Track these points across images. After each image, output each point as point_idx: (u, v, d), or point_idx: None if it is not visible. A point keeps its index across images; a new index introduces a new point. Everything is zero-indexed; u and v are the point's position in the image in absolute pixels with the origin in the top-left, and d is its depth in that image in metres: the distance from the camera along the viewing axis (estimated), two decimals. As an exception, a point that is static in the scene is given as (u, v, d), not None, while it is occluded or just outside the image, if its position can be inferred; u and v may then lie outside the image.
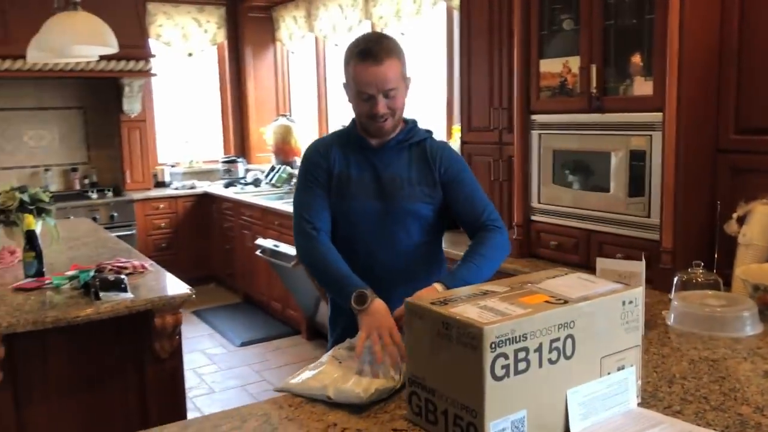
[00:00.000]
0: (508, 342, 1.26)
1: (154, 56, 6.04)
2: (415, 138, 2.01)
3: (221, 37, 6.91)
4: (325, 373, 1.59)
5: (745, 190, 2.35)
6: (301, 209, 1.99)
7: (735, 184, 2.41)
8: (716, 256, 2.40)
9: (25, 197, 3.17)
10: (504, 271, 2.97)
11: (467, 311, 1.31)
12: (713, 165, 2.46)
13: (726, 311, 1.99)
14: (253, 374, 4.32)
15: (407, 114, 2.04)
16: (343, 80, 1.96)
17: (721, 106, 2.42)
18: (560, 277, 1.54)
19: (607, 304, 1.41)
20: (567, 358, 1.35)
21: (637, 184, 2.55)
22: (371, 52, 1.84)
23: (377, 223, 1.96)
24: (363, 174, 1.97)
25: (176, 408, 2.72)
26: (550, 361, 1.32)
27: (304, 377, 1.61)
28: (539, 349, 1.30)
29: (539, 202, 3.01)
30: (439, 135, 4.84)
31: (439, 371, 1.35)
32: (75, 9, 3.12)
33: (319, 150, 2.02)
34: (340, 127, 2.10)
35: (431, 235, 2.04)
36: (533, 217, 3.05)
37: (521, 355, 1.28)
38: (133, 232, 5.94)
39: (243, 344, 4.88)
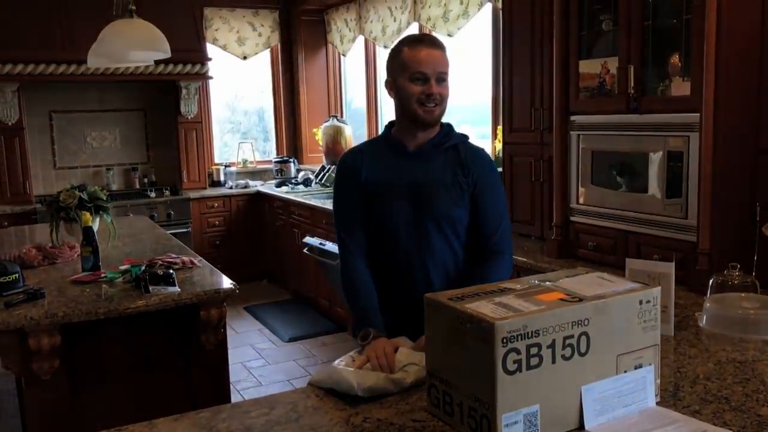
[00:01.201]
0: (520, 337, 1.30)
1: (210, 59, 6.25)
2: (450, 141, 2.01)
3: (275, 40, 7.08)
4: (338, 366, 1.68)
5: (786, 191, 2.31)
6: (338, 225, 2.05)
7: (776, 185, 2.37)
8: (755, 258, 2.37)
9: (84, 195, 3.35)
10: (542, 271, 2.99)
11: (481, 307, 1.36)
12: (754, 166, 2.42)
13: (760, 314, 1.97)
14: (299, 369, 4.43)
15: (451, 115, 2.05)
16: (386, 78, 1.98)
17: (763, 107, 2.39)
18: (579, 275, 1.57)
19: (623, 302, 1.43)
20: (581, 354, 1.38)
21: (674, 186, 2.53)
22: (426, 38, 1.95)
23: (414, 228, 1.96)
24: (398, 179, 1.97)
25: (221, 398, 2.83)
26: (564, 358, 1.36)
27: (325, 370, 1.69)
28: (552, 346, 1.34)
29: (578, 203, 3.01)
30: (485, 136, 4.89)
31: (454, 365, 1.40)
32: (131, 16, 3.28)
33: (348, 161, 2.05)
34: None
35: (465, 237, 2.03)
36: (572, 218, 3.05)
37: (534, 350, 1.32)
38: (189, 229, 6.15)
39: (291, 340, 5.00)
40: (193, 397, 2.79)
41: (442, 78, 1.91)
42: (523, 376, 1.31)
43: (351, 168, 2.02)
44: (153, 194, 6.24)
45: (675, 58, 2.54)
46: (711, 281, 2.19)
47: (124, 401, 2.69)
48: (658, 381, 1.51)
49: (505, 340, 1.28)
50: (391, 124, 2.06)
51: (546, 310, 1.34)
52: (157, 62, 5.39)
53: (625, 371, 1.45)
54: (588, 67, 2.88)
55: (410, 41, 1.94)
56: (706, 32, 2.30)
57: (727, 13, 2.28)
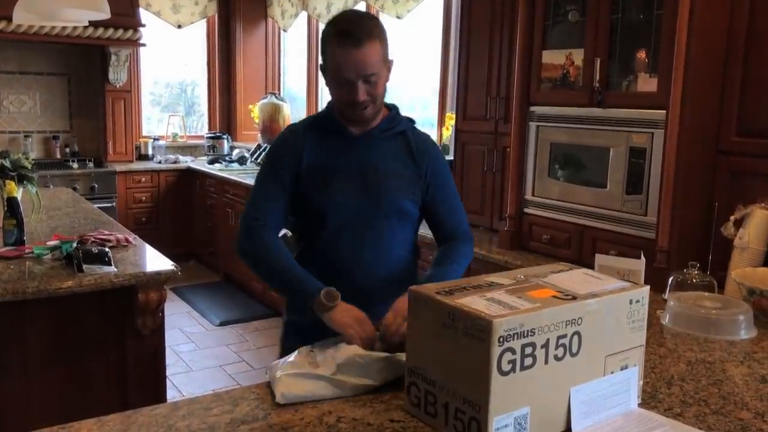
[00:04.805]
0: (516, 336, 1.22)
1: (144, 26, 5.91)
2: (398, 127, 1.85)
3: (212, 10, 6.78)
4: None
5: (744, 193, 2.34)
6: (253, 203, 1.82)
7: (733, 186, 2.40)
8: (710, 257, 2.40)
9: (7, 163, 3.07)
10: (495, 262, 2.96)
11: (474, 303, 1.28)
12: (713, 166, 2.44)
13: (721, 314, 1.97)
14: (232, 354, 4.27)
15: (394, 100, 1.90)
16: (320, 61, 1.79)
17: (725, 107, 2.41)
18: (565, 272, 1.51)
19: (615, 302, 1.38)
20: (573, 355, 1.32)
21: (635, 182, 2.53)
22: (351, 33, 1.68)
23: (361, 220, 1.80)
24: (344, 165, 1.80)
25: (156, 386, 2.66)
26: (556, 358, 1.29)
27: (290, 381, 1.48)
28: (546, 345, 1.27)
29: (533, 195, 2.98)
30: (432, 122, 4.82)
31: (441, 363, 1.31)
32: (67, -30, 3.01)
33: (288, 140, 1.84)
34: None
35: (412, 233, 1.92)
36: (526, 210, 3.02)
37: (528, 350, 1.24)
38: (113, 204, 5.83)
39: (222, 324, 4.82)
40: (125, 386, 2.61)
41: (370, 79, 1.71)
42: (516, 377, 1.24)
43: (290, 149, 1.81)
44: (75, 165, 5.87)
45: (642, 54, 2.52)
46: (671, 279, 2.20)
47: (50, 389, 2.48)
48: (641, 382, 1.48)
49: (501, 339, 1.20)
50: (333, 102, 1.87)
51: (542, 308, 1.27)
52: (86, 25, 5.05)
53: (612, 372, 1.40)
54: (551, 57, 2.84)
55: (337, 34, 1.70)
56: (678, 30, 2.30)
57: (699, 12, 2.28)
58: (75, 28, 5.24)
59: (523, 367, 1.24)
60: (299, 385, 1.45)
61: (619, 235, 2.60)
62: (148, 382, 2.62)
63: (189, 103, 7.26)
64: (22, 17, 3.38)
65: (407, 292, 1.39)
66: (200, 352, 4.31)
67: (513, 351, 1.22)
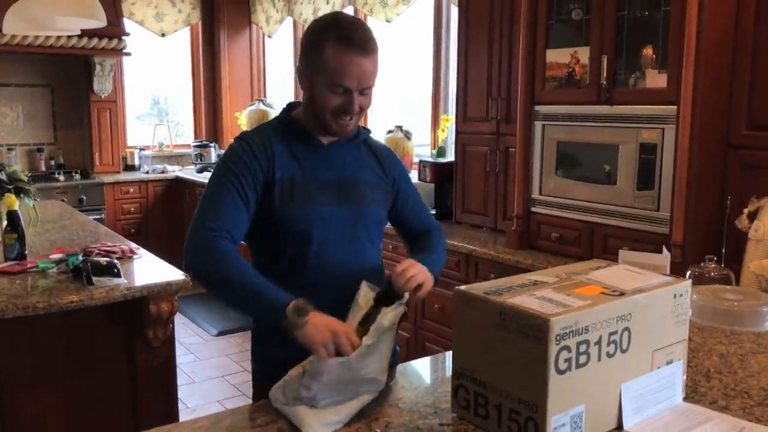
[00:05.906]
0: (571, 334, 1.21)
1: (128, 35, 5.83)
2: (361, 136, 1.79)
3: (196, 17, 6.72)
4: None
5: (756, 186, 2.36)
6: (207, 213, 1.60)
7: (745, 179, 2.42)
8: (723, 251, 2.41)
9: (3, 176, 3.00)
10: (504, 262, 2.95)
11: (526, 301, 1.26)
12: (724, 160, 2.46)
13: (744, 306, 1.98)
14: (233, 364, 4.21)
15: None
16: (300, 64, 1.66)
17: (734, 101, 2.43)
18: (605, 268, 1.50)
19: (661, 296, 1.38)
20: (623, 351, 1.31)
21: (646, 178, 2.54)
22: (359, 40, 1.57)
23: (347, 233, 1.71)
24: (322, 177, 1.69)
25: (167, 397, 2.62)
26: (608, 355, 1.28)
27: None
28: (599, 342, 1.26)
29: (540, 194, 2.98)
30: (425, 125, 4.81)
31: (492, 364, 1.30)
32: (60, -22, 2.95)
33: (255, 149, 1.64)
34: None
35: (381, 240, 1.87)
36: (533, 209, 3.02)
37: (582, 347, 1.23)
38: (102, 216, 5.74)
39: (219, 334, 4.76)
40: (136, 399, 2.55)
41: (365, 92, 1.63)
42: (572, 375, 1.22)
43: (258, 159, 1.63)
44: (62, 177, 5.77)
45: (649, 50, 2.53)
46: (688, 273, 2.21)
47: (59, 403, 2.42)
48: (684, 377, 1.47)
49: (558, 338, 1.19)
50: (290, 107, 1.76)
51: (594, 305, 1.26)
52: (70, 35, 4.98)
53: (658, 367, 1.40)
54: (555, 56, 2.84)
55: (343, 38, 1.57)
56: (687, 25, 2.31)
57: (708, 7, 2.29)
58: (59, 38, 5.14)
59: (578, 365, 1.23)
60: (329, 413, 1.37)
61: (631, 231, 2.61)
62: (159, 394, 2.58)
63: (167, 112, 7.16)
64: (13, 27, 3.31)
65: (454, 292, 1.37)
66: (201, 363, 4.25)
67: (569, 349, 1.21)
